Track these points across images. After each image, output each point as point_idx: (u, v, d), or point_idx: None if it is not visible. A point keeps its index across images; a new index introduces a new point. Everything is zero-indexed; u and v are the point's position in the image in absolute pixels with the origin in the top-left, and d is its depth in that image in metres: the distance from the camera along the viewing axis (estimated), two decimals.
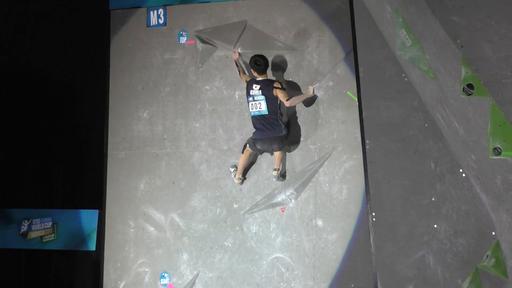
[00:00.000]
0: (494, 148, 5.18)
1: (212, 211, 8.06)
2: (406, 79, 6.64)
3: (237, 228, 7.92)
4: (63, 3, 9.42)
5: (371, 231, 6.65)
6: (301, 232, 7.66)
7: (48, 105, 9.51)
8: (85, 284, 9.43)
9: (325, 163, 7.66)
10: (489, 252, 5.92)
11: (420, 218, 6.32)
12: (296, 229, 7.69)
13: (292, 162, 7.80)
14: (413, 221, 6.34)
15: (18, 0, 9.48)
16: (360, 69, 7.05)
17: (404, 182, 6.46)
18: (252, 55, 7.80)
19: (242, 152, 7.78)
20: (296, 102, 7.53)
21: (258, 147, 7.59)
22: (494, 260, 5.85)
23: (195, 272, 8.01)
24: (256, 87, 7.53)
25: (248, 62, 7.78)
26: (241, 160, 7.80)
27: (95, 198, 8.71)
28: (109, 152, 8.59)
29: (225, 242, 7.94)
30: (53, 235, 8.84)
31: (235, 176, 7.90)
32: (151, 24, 8.59)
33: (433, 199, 6.29)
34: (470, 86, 5.24)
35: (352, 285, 7.38)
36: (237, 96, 8.13)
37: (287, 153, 7.82)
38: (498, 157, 5.18)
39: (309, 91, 7.62)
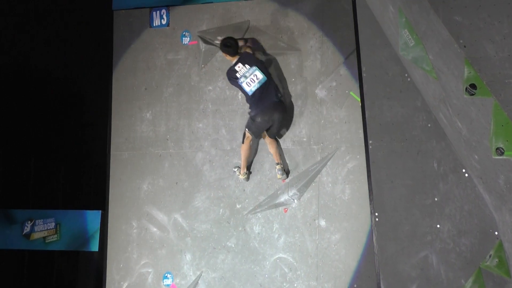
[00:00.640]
0: (497, 148, 5.19)
1: (215, 211, 8.07)
2: (409, 79, 6.65)
3: (240, 229, 7.94)
4: (66, 4, 9.45)
5: (374, 231, 6.66)
6: (304, 233, 7.67)
7: (51, 106, 9.56)
8: (88, 285, 9.46)
9: (328, 163, 7.67)
10: (492, 252, 5.93)
11: (423, 218, 6.32)
12: (299, 230, 7.70)
13: (295, 162, 7.81)
14: (416, 221, 6.35)
15: (19, 0, 9.52)
16: (363, 69, 7.05)
17: (407, 182, 6.47)
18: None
19: (243, 142, 7.76)
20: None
21: (259, 120, 7.50)
22: (497, 260, 5.86)
23: (198, 273, 8.02)
24: (239, 67, 7.57)
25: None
26: (243, 152, 7.79)
27: (98, 199, 8.74)
28: (112, 152, 8.60)
29: (228, 243, 7.96)
30: (56, 235, 8.87)
31: (239, 173, 7.91)
32: (154, 25, 8.62)
33: (436, 199, 6.29)
34: (473, 86, 5.25)
35: (355, 285, 7.39)
36: (240, 97, 8.13)
37: (290, 153, 7.83)
38: (501, 157, 5.19)
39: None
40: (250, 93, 7.53)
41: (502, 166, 5.26)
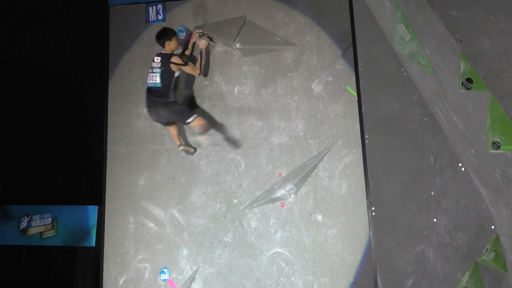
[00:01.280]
0: (493, 142, 5.19)
1: (212, 206, 8.07)
2: (405, 74, 6.64)
3: (236, 224, 7.94)
4: (62, 0, 9.44)
5: (370, 226, 6.66)
6: (301, 227, 7.68)
7: (47, 101, 9.53)
8: (85, 280, 9.45)
9: (325, 158, 7.67)
10: (488, 246, 5.93)
11: (419, 213, 6.32)
12: (295, 224, 7.70)
13: (291, 157, 7.81)
14: (413, 215, 6.35)
15: None
16: (359, 63, 7.03)
17: (404, 176, 6.46)
18: (252, 50, 7.90)
19: None
20: (202, 64, 7.86)
21: (152, 118, 7.81)
22: (493, 254, 5.86)
23: (195, 268, 8.03)
24: (157, 59, 7.71)
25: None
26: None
27: (95, 194, 8.73)
28: (109, 148, 8.60)
29: (224, 238, 7.97)
30: (53, 231, 8.88)
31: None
32: (150, 20, 8.61)
33: (432, 193, 6.29)
34: (469, 80, 5.25)
35: (352, 280, 7.41)
36: (236, 92, 8.13)
37: (286, 148, 7.84)
38: (497, 151, 5.19)
39: (196, 40, 7.98)
40: (147, 86, 7.72)
41: (498, 160, 5.27)
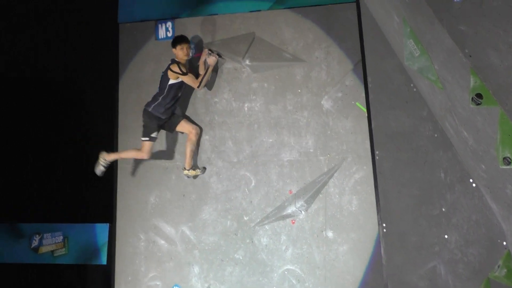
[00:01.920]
0: (504, 158, 5.17)
1: (223, 223, 8.08)
2: (414, 89, 6.63)
3: (247, 241, 7.95)
4: (72, 17, 9.47)
5: (381, 242, 6.64)
6: (312, 244, 7.68)
7: (57, 118, 9.54)
8: None
9: (335, 174, 7.69)
10: (500, 262, 5.89)
11: (430, 229, 6.30)
12: (306, 241, 7.70)
13: (302, 174, 7.83)
14: (424, 231, 6.32)
15: (19, 13, 9.56)
16: (369, 79, 7.03)
17: (414, 192, 6.44)
18: (261, 67, 7.95)
19: None
20: (206, 80, 7.97)
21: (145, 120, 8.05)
22: (505, 270, 5.82)
23: (206, 285, 8.03)
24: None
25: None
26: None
27: (106, 212, 8.74)
28: (119, 165, 8.65)
29: (235, 255, 7.97)
30: (64, 249, 8.89)
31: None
32: (160, 37, 8.66)
33: (443, 209, 6.27)
34: (479, 95, 5.24)
35: None
36: (246, 108, 8.17)
37: (297, 164, 7.85)
38: (508, 167, 5.17)
39: (206, 57, 8.10)
40: None
41: (509, 176, 5.25)
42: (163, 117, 7.92)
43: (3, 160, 9.49)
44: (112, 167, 8.58)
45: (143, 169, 8.53)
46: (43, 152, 9.53)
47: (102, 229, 8.71)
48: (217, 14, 8.44)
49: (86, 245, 8.81)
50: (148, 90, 8.52)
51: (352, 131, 7.70)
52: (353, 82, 7.77)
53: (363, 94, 7.42)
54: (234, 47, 8.26)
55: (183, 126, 8.06)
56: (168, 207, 8.34)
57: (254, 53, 8.21)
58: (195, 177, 8.18)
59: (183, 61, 7.95)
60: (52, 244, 8.96)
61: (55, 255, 8.93)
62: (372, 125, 6.88)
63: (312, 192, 7.73)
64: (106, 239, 8.66)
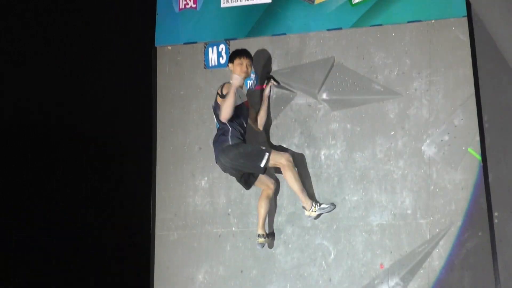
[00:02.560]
0: None
1: None
2: None
3: None
4: (95, 42, 10.10)
5: None
6: None
7: (77, 172, 10.05)
8: None
9: (440, 242, 7.97)
10: None
11: None
12: None
13: (396, 242, 8.16)
14: None
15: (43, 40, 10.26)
16: (485, 118, 7.42)
17: None
18: (343, 102, 8.53)
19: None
20: (227, 109, 8.12)
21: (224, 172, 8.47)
22: None
23: None
24: None
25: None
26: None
27: None
28: (157, 233, 9.22)
29: None
30: None
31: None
32: (210, 65, 9.28)
33: None
34: None
35: None
36: (323, 157, 8.62)
37: (390, 230, 8.23)
38: None
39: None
40: None
41: None
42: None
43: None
44: (148, 234, 9.21)
45: (188, 237, 9.05)
46: (61, 218, 9.99)
47: None
48: (285, 34, 9.00)
49: None
50: (195, 133, 9.17)
51: (463, 186, 7.98)
52: (464, 122, 8.07)
53: (477, 138, 7.79)
54: (308, 76, 8.80)
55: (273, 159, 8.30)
56: (221, 286, 8.79)
57: (333, 85, 8.69)
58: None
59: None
60: None
61: None
62: (490, 178, 7.27)
63: (410, 266, 8.04)
64: None
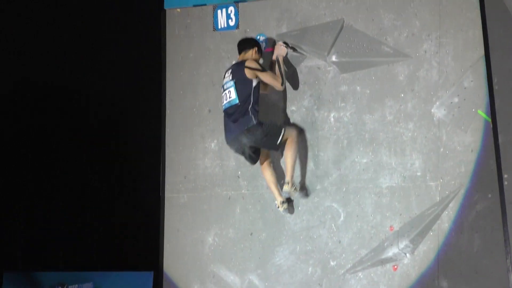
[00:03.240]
0: None
1: (303, 270, 8.51)
2: None
3: None
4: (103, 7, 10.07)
5: None
6: None
7: (86, 137, 10.05)
8: None
9: (450, 205, 7.94)
10: None
11: None
12: None
13: (406, 205, 8.14)
14: None
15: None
16: (494, 80, 7.38)
17: None
18: (352, 64, 8.48)
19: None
20: (282, 73, 8.31)
21: (234, 152, 8.40)
22: None
23: None
24: (228, 73, 8.33)
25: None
26: (265, 177, 8.58)
27: (149, 256, 9.16)
28: (167, 195, 9.24)
29: None
30: None
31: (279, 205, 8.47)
32: (219, 27, 9.25)
33: None
34: None
35: None
36: (332, 119, 8.60)
37: (400, 193, 8.20)
38: None
39: (277, 51, 8.52)
40: (223, 109, 8.33)
41: None
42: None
43: (18, 188, 10.04)
44: (158, 196, 9.18)
45: (198, 199, 9.08)
46: (68, 183, 10.03)
47: (144, 279, 9.18)
48: None
49: None
50: (205, 96, 9.15)
51: (473, 148, 7.93)
52: (474, 84, 8.01)
53: (487, 100, 7.74)
54: (317, 39, 8.72)
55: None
56: (231, 249, 8.84)
57: (343, 47, 8.63)
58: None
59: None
60: None
61: None
62: (499, 140, 7.25)
63: (420, 228, 8.03)
64: None
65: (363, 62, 8.57)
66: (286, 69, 8.57)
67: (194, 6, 9.44)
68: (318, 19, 8.87)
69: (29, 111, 10.28)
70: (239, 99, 8.19)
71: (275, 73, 8.37)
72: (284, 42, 8.70)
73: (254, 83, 8.22)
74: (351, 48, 8.64)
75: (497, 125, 7.38)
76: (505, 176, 7.14)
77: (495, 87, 7.39)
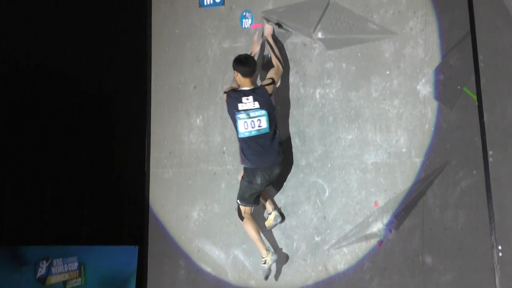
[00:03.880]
0: None
1: (288, 245, 8.52)
2: None
3: (320, 268, 8.34)
4: None
5: (496, 270, 6.97)
6: (405, 273, 7.96)
7: (70, 113, 10.02)
8: None
9: (435, 181, 7.90)
10: None
11: None
12: (397, 269, 7.99)
13: (391, 181, 8.12)
14: None
15: None
16: (480, 58, 7.37)
17: None
18: (338, 41, 8.41)
19: (242, 219, 8.32)
20: (277, 55, 8.40)
21: (259, 181, 8.19)
22: None
23: None
24: (248, 99, 8.15)
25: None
26: (249, 230, 8.35)
27: (134, 231, 9.19)
28: (152, 170, 9.22)
29: (304, 287, 8.41)
30: (79, 279, 9.26)
31: (265, 260, 8.29)
32: (205, 4, 9.15)
33: None
34: None
35: None
36: (318, 96, 8.55)
37: (385, 169, 8.18)
38: None
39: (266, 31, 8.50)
40: (240, 136, 8.17)
41: None
42: None
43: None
44: (143, 173, 9.13)
45: (183, 175, 9.04)
46: (53, 156, 9.99)
47: (129, 254, 9.15)
48: None
49: (108, 274, 9.20)
50: (190, 72, 9.09)
51: (458, 126, 7.88)
52: (460, 62, 7.92)
53: (473, 78, 7.64)
54: (303, 15, 8.65)
55: None
56: (216, 224, 8.84)
57: (329, 24, 8.56)
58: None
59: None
60: (65, 272, 9.34)
61: (68, 287, 9.32)
62: (485, 118, 7.22)
63: (405, 205, 8.01)
64: (135, 267, 9.08)
65: (349, 39, 8.50)
66: (277, 47, 8.54)
67: None
68: None
69: (17, 89, 10.19)
70: (269, 128, 8.19)
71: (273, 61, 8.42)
72: (266, 18, 8.67)
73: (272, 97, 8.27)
74: (337, 25, 8.57)
75: (483, 103, 7.33)
76: (490, 153, 7.13)
77: (481, 65, 7.35)
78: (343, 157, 8.41)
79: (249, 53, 8.48)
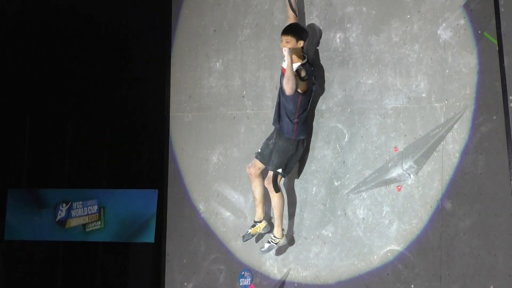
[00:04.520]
0: None
1: (307, 190, 8.55)
2: None
3: (339, 213, 8.38)
4: None
5: None
6: (424, 218, 7.98)
7: (90, 56, 10.01)
8: (142, 287, 9.95)
9: (455, 126, 7.91)
10: None
11: None
12: (416, 214, 8.02)
13: (411, 126, 8.12)
14: None
15: None
16: (501, 2, 7.34)
17: None
18: None
19: (277, 190, 8.30)
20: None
21: (301, 151, 8.42)
22: None
23: (285, 270, 8.53)
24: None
25: None
26: (281, 203, 8.36)
27: (154, 175, 9.25)
28: (172, 114, 9.26)
29: (323, 231, 8.42)
30: (99, 222, 9.32)
31: (274, 239, 8.35)
32: None
33: None
34: None
35: (492, 286, 7.65)
36: (338, 40, 8.52)
37: (405, 113, 8.18)
38: None
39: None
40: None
41: None
42: None
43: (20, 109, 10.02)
44: (163, 116, 9.17)
45: (203, 119, 9.07)
46: (74, 101, 10.01)
47: (149, 197, 9.24)
48: None
49: (128, 217, 9.28)
50: (210, 15, 9.07)
51: (479, 70, 7.85)
52: (481, 6, 7.87)
53: (493, 22, 7.62)
54: None
55: None
56: (235, 168, 8.87)
57: None
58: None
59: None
60: (84, 215, 9.43)
61: (87, 230, 9.40)
62: (505, 62, 7.23)
63: (424, 149, 8.02)
64: (155, 210, 9.17)
65: None
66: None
67: None
68: None
69: (40, 28, 10.22)
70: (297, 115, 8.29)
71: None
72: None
73: (300, 98, 8.26)
74: None
75: (503, 47, 7.33)
76: (510, 98, 7.14)
77: (501, 9, 7.33)
78: (363, 102, 8.41)
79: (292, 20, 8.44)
